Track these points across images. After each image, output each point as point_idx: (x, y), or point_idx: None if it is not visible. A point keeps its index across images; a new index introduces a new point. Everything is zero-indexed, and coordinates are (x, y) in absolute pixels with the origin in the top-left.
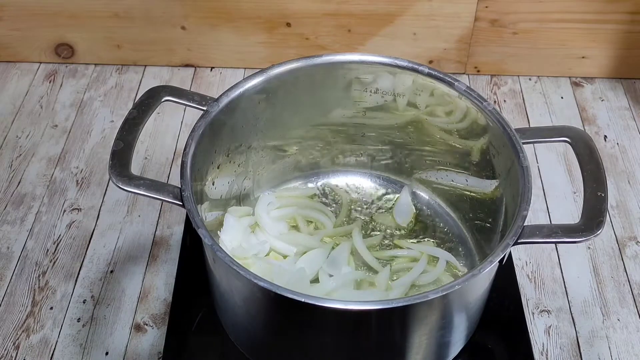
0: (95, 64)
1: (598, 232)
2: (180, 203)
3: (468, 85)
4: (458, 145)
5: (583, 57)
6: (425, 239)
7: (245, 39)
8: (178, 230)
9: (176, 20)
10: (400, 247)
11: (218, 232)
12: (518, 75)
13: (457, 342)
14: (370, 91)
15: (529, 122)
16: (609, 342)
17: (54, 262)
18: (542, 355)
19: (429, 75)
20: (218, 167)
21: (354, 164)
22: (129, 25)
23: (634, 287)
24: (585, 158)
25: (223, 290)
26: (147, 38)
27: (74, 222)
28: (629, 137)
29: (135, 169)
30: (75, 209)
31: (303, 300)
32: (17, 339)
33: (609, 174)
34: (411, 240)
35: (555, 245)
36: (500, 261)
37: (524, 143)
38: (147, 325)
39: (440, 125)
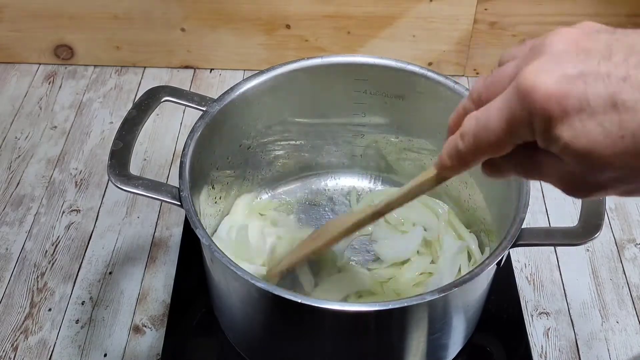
0: (94, 65)
1: (596, 235)
2: (179, 203)
3: (467, 87)
4: None
5: None
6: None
7: (244, 41)
8: (177, 231)
9: (176, 22)
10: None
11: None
12: None
13: (456, 343)
14: (370, 93)
15: None
16: (607, 345)
17: (53, 264)
18: (540, 357)
19: (429, 77)
20: (217, 168)
21: (354, 165)
22: (129, 27)
23: (632, 289)
24: None
25: (221, 291)
26: (146, 39)
27: (72, 223)
28: None
29: (134, 170)
30: (74, 210)
31: (300, 301)
32: (16, 340)
33: None
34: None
35: (554, 248)
36: (498, 263)
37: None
38: (145, 326)
39: (439, 127)
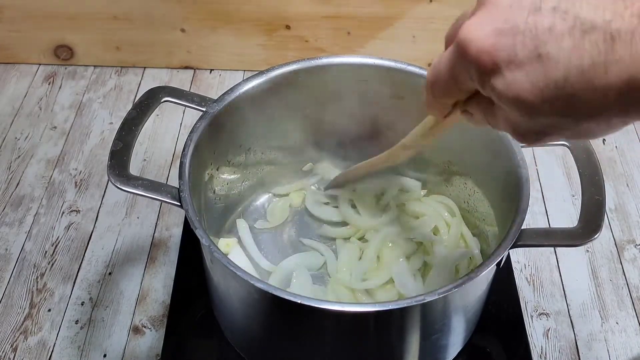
0: (94, 66)
1: (596, 236)
2: (179, 203)
3: None
4: (456, 148)
5: None
6: None
7: (244, 41)
8: (177, 232)
9: (176, 23)
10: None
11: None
12: None
13: (455, 344)
14: (370, 93)
15: None
16: (607, 346)
17: (52, 264)
18: (540, 358)
19: None
20: (217, 169)
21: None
22: (129, 27)
23: (632, 290)
24: (583, 162)
25: (221, 291)
26: (146, 40)
27: (72, 223)
28: (628, 140)
29: (134, 170)
30: (74, 210)
31: (299, 301)
32: (15, 341)
33: (608, 177)
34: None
35: (554, 249)
36: (498, 264)
37: (522, 146)
38: (145, 327)
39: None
